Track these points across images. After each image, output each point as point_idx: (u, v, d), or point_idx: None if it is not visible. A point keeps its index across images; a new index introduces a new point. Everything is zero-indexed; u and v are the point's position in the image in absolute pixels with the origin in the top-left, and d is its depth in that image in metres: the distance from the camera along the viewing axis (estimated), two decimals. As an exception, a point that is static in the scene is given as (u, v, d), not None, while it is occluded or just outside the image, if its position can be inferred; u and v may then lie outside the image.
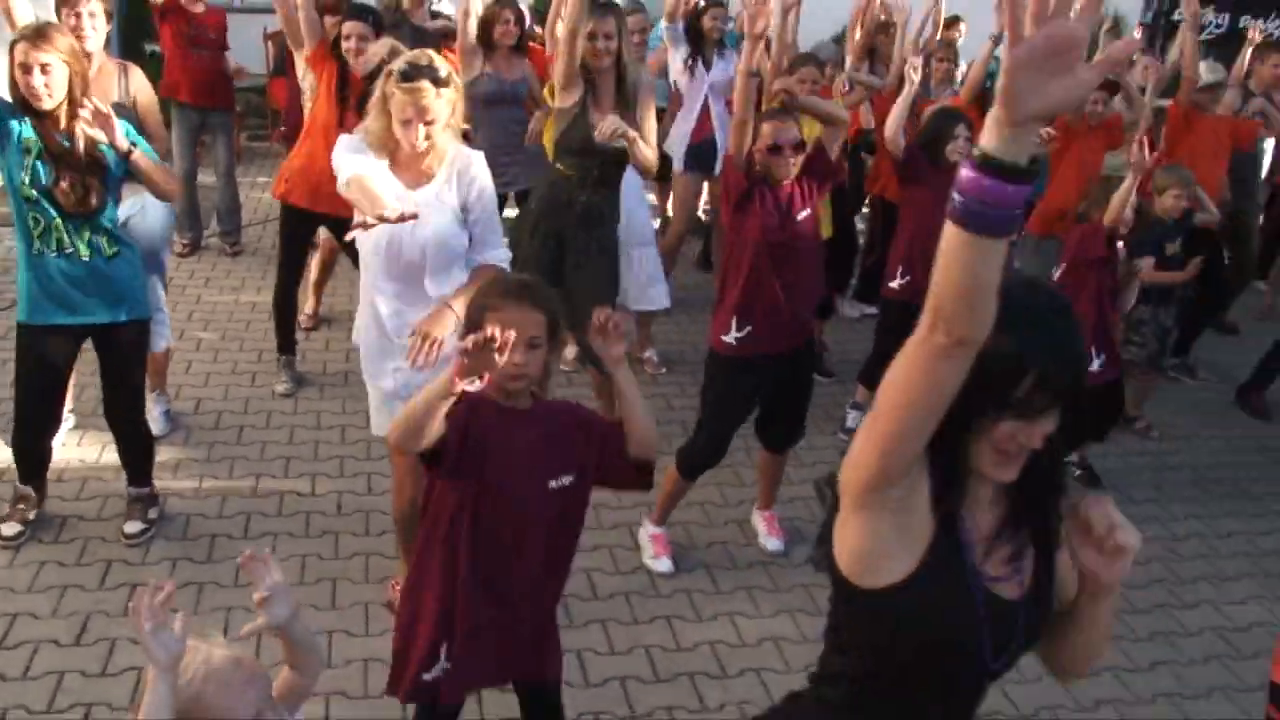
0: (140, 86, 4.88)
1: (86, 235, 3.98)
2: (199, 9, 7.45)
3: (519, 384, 2.65)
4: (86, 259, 3.99)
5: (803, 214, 4.18)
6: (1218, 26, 12.64)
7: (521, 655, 2.85)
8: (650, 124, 4.96)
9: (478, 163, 3.61)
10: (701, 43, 6.92)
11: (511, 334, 2.39)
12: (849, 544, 1.73)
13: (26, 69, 3.72)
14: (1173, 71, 7.16)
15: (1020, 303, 1.60)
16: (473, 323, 2.64)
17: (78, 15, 4.54)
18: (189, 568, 4.22)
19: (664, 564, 4.46)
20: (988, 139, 1.33)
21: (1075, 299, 5.05)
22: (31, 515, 4.33)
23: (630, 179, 5.38)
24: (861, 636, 1.83)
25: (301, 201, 5.53)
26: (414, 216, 3.22)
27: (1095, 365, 5.12)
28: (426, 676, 2.76)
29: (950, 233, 1.37)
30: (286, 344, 5.88)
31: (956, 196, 1.35)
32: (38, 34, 3.74)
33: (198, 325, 6.54)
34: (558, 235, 4.95)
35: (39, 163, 3.83)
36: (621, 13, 5.07)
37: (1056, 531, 1.79)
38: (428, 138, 3.41)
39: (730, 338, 4.22)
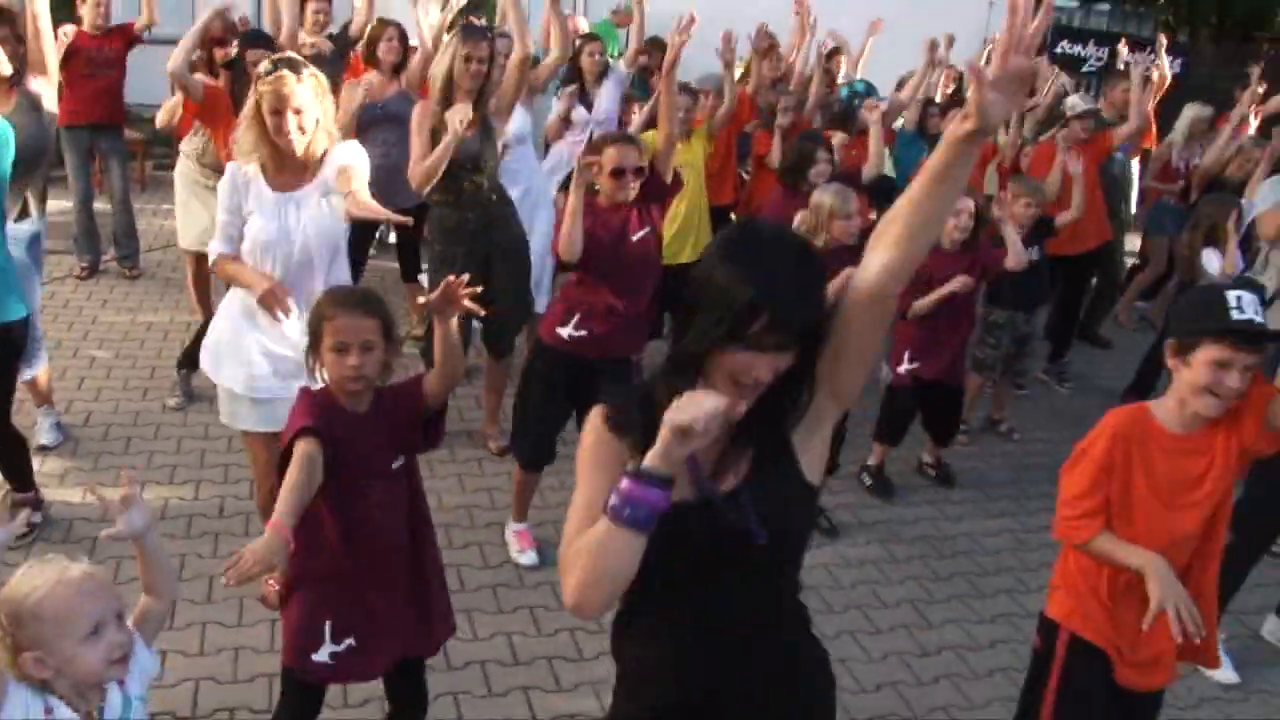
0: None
1: None
2: (100, 34, 7.53)
3: (358, 385, 2.88)
4: None
5: (639, 234, 4.40)
6: (1098, 60, 13.24)
7: (406, 633, 3.05)
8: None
9: (345, 149, 3.82)
10: (582, 78, 7.20)
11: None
12: None
13: None
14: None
15: (763, 247, 1.88)
16: (314, 333, 2.89)
17: None
18: (68, 567, 4.33)
19: (528, 557, 4.66)
20: (649, 459, 1.73)
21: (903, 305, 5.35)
22: None
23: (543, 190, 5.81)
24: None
25: None
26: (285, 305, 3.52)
27: (905, 367, 5.52)
28: (316, 659, 2.96)
29: (605, 527, 1.75)
30: (190, 359, 5.96)
31: (615, 500, 1.74)
32: None
33: (92, 344, 6.64)
34: (468, 261, 4.91)
35: None
36: (493, 40, 5.33)
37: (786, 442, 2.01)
38: (300, 128, 3.62)
39: (565, 332, 4.40)
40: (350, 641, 2.94)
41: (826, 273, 1.93)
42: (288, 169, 3.73)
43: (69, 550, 4.35)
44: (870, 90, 7.42)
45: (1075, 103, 7.13)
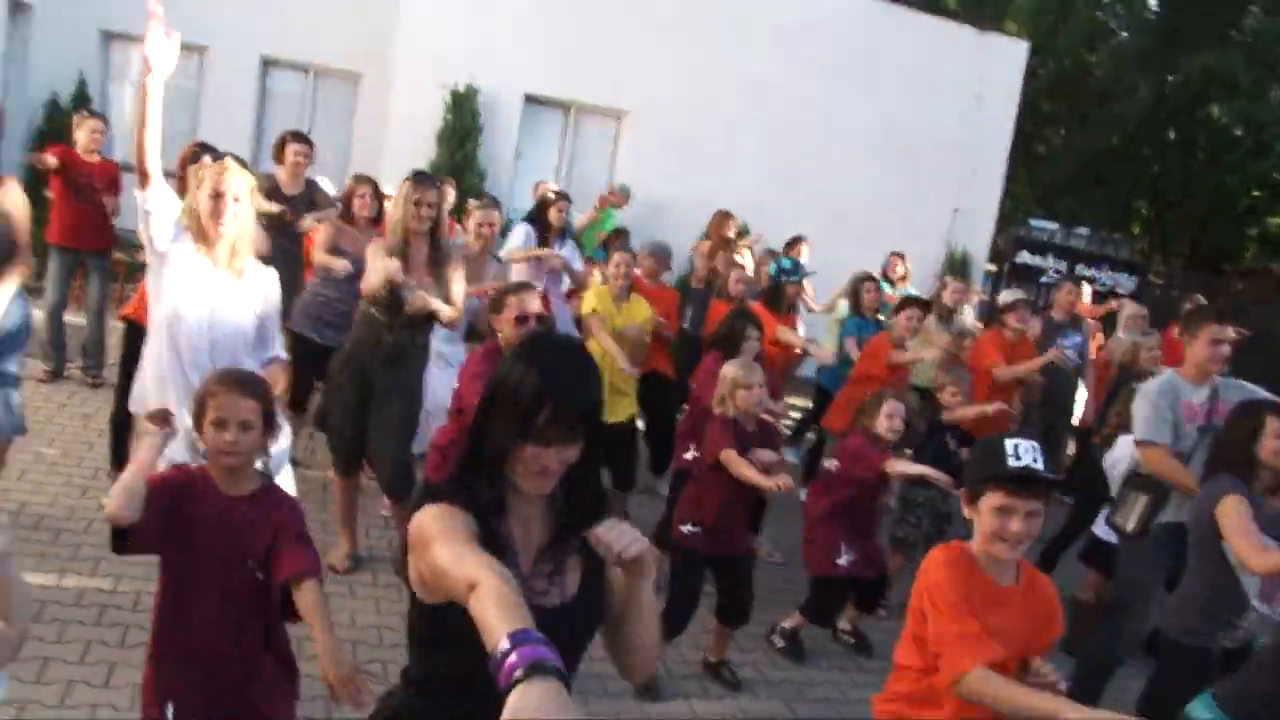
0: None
1: None
2: (94, 160, 7.99)
3: (233, 460, 3.08)
4: None
5: None
6: (1056, 272, 13.89)
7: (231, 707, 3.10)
8: (457, 285, 5.57)
9: (272, 279, 4.31)
10: (546, 230, 7.64)
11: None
12: (415, 570, 2.14)
13: None
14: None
15: (548, 351, 2.18)
16: (199, 407, 3.11)
17: None
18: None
19: None
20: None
21: (839, 497, 5.61)
22: None
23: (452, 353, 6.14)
24: (425, 643, 2.24)
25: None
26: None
27: (844, 559, 5.60)
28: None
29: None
30: (120, 460, 6.17)
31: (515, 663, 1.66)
32: None
33: (42, 441, 6.78)
34: (364, 373, 5.45)
35: None
36: (443, 187, 5.76)
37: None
38: (235, 216, 4.06)
39: None
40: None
41: None
42: (220, 263, 4.15)
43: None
44: (797, 268, 7.79)
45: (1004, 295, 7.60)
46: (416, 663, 2.29)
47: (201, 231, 4.11)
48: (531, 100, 13.12)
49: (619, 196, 11.43)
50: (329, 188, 8.39)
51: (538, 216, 7.79)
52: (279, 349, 4.46)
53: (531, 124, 13.22)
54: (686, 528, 5.26)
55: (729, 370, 5.26)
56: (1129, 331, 8.58)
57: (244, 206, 4.07)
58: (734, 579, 5.31)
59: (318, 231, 7.11)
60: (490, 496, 2.15)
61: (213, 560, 3.01)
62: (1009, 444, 2.85)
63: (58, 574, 5.15)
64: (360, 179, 7.21)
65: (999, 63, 14.59)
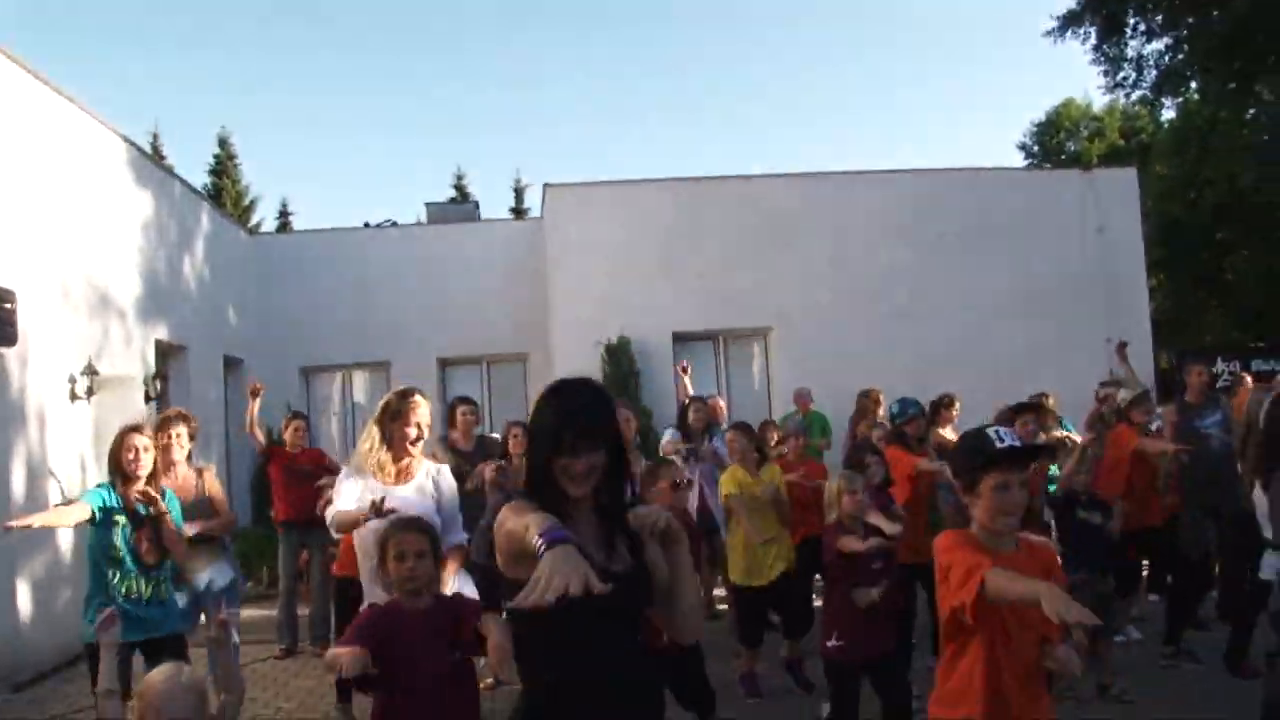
0: (211, 482, 6.56)
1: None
2: (299, 450, 9.29)
3: (414, 584, 3.86)
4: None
5: None
6: (1230, 374, 13.69)
7: None
8: None
9: (446, 472, 5.30)
10: (691, 432, 8.42)
11: None
12: (499, 552, 2.79)
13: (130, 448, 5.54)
14: None
15: (563, 388, 2.93)
16: (381, 550, 3.97)
17: (169, 436, 6.22)
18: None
19: None
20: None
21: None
22: None
23: None
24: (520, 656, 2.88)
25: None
26: (383, 509, 4.60)
27: (831, 643, 5.68)
28: None
29: None
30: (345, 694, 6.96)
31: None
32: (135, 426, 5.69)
33: (281, 699, 7.66)
34: None
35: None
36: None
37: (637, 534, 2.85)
38: (418, 438, 5.13)
39: None
40: None
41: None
42: (395, 473, 5.20)
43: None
44: (904, 408, 8.12)
45: (1124, 395, 7.85)
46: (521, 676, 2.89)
47: (394, 455, 5.16)
48: (680, 337, 14.20)
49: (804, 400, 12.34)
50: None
51: (679, 423, 8.64)
52: (461, 537, 5.29)
53: (684, 357, 14.16)
54: (831, 642, 5.63)
55: (834, 482, 5.80)
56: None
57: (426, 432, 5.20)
58: (888, 680, 5.60)
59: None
60: (551, 508, 2.74)
61: (416, 664, 3.70)
62: (990, 432, 3.33)
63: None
64: (513, 423, 8.25)
65: (1113, 194, 15.05)
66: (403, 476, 5.18)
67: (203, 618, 6.61)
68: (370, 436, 5.20)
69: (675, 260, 14.13)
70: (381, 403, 5.28)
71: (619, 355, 13.62)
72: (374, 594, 4.58)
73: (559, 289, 14.16)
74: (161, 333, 11.96)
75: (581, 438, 2.77)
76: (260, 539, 11.58)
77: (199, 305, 13.35)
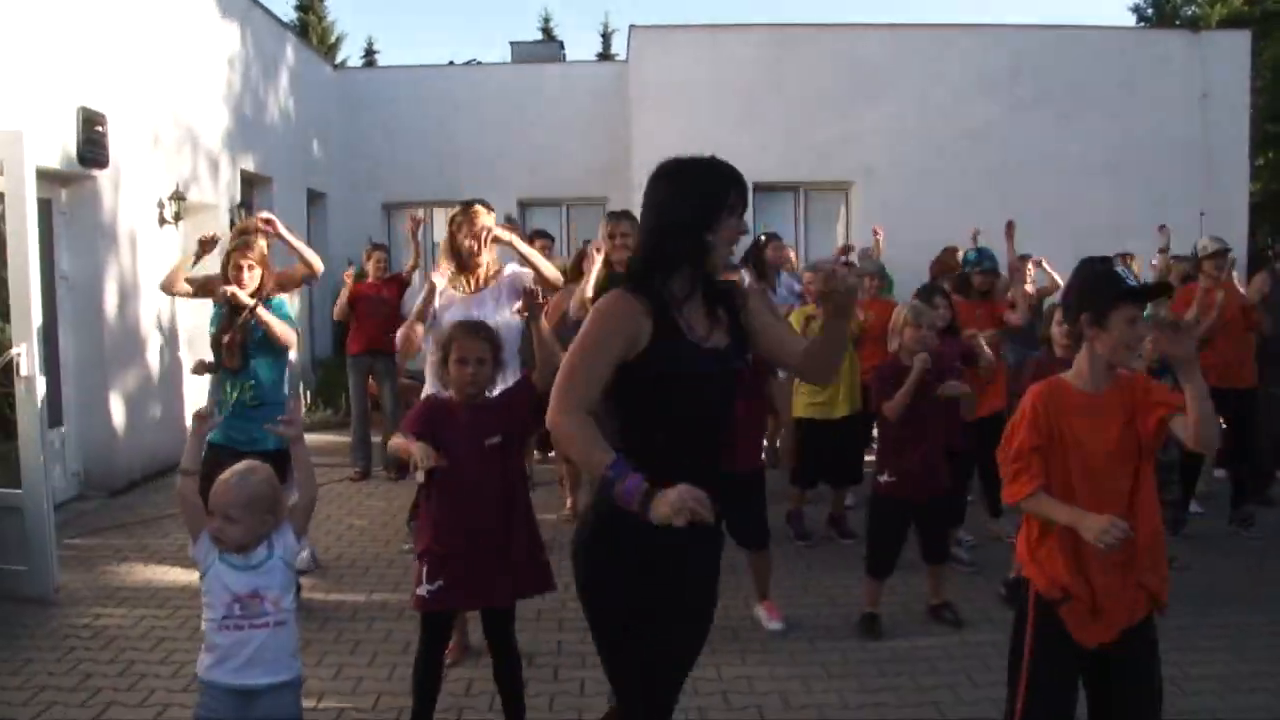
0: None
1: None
2: (381, 281, 9.53)
3: (474, 389, 3.98)
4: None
5: None
6: None
7: (489, 582, 3.95)
8: None
9: (528, 276, 5.39)
10: (765, 269, 8.36)
11: None
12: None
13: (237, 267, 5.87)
14: None
15: (700, 162, 2.88)
16: (444, 351, 4.07)
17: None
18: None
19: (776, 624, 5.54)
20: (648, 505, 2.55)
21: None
22: None
23: None
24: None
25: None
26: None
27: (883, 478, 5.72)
28: (421, 592, 3.96)
29: (600, 470, 2.67)
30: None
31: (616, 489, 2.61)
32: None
33: (354, 517, 8.04)
34: None
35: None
36: (632, 217, 6.56)
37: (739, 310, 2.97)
38: (478, 249, 5.40)
39: None
40: (440, 582, 3.93)
41: None
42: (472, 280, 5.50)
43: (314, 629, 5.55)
44: (980, 257, 8.01)
45: (1206, 244, 7.61)
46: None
47: (460, 265, 5.43)
48: (760, 188, 14.06)
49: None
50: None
51: (754, 258, 8.51)
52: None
53: (765, 208, 14.14)
54: (884, 477, 5.68)
55: (902, 312, 5.82)
56: None
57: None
58: (929, 521, 5.71)
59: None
60: (665, 292, 2.84)
61: (459, 450, 3.89)
62: (1118, 269, 3.31)
63: (365, 594, 6.19)
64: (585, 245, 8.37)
65: (1221, 58, 14.41)
66: (475, 286, 5.44)
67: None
68: (442, 251, 5.51)
69: (759, 108, 13.91)
70: (449, 217, 5.54)
71: (698, 204, 13.55)
72: (433, 387, 5.04)
73: (640, 133, 14.03)
74: (247, 163, 12.14)
75: (741, 198, 2.85)
76: (339, 369, 11.90)
77: (284, 138, 13.50)
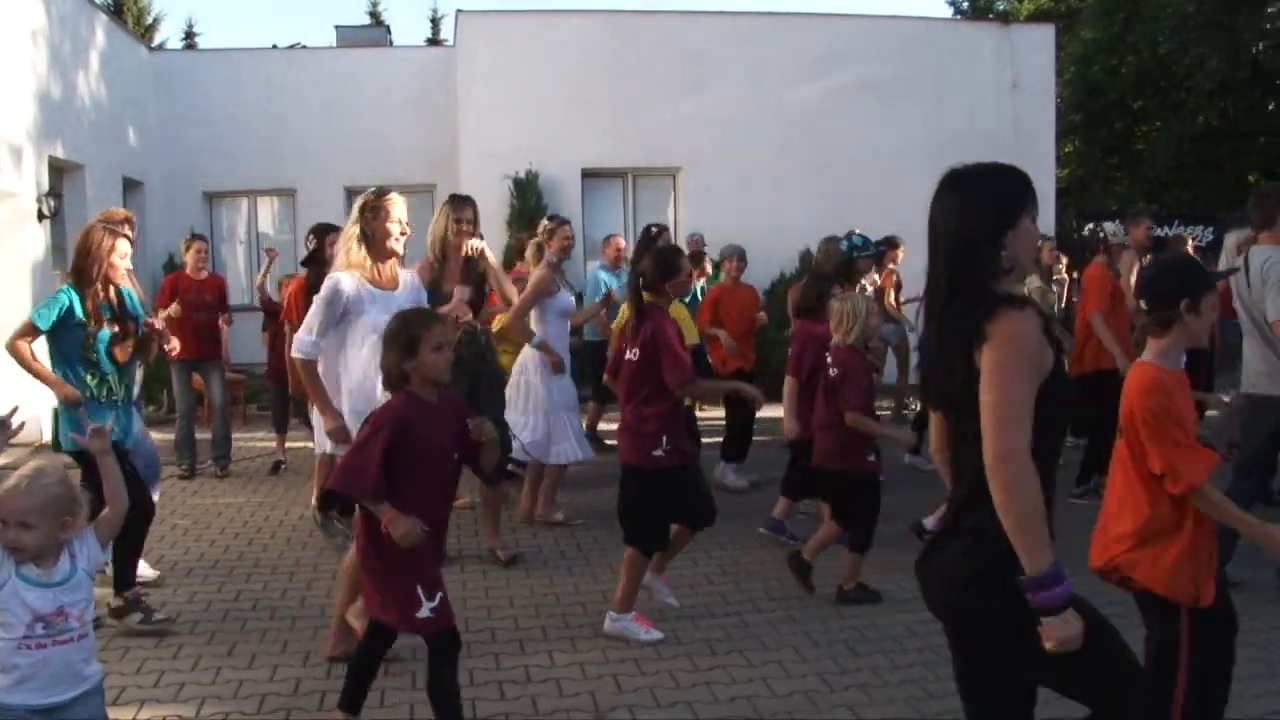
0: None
1: None
2: (203, 276, 9.17)
3: (445, 376, 3.96)
4: None
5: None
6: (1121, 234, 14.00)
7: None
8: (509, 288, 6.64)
9: (413, 278, 5.30)
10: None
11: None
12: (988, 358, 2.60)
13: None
14: None
15: (984, 166, 2.77)
16: (412, 340, 3.87)
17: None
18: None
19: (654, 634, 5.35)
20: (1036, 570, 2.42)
21: None
22: None
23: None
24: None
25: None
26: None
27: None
28: (425, 614, 3.82)
29: (1034, 561, 2.43)
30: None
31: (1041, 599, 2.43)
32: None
33: (178, 516, 7.79)
34: (463, 387, 6.03)
35: None
36: (473, 202, 6.52)
37: None
38: (402, 234, 5.08)
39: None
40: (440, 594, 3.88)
41: None
42: (385, 277, 5.08)
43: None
44: (866, 243, 8.28)
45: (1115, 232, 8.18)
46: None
47: (375, 255, 5.02)
48: (589, 174, 14.14)
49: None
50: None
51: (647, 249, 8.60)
52: None
53: (592, 195, 14.22)
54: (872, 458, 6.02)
55: (855, 302, 6.05)
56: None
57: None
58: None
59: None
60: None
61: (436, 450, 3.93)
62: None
63: (188, 596, 6.02)
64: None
65: (1030, 49, 15.11)
66: (390, 282, 5.07)
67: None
68: (348, 240, 5.01)
69: (586, 95, 13.96)
70: (359, 203, 5.06)
71: (527, 190, 13.55)
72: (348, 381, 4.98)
73: (468, 120, 13.95)
74: (55, 150, 11.61)
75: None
76: (161, 364, 11.46)
77: (96, 123, 12.94)
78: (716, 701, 4.57)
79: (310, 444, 9.29)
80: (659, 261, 5.38)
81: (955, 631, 2.75)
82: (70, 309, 5.39)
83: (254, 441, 10.71)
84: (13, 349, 5.39)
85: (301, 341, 4.93)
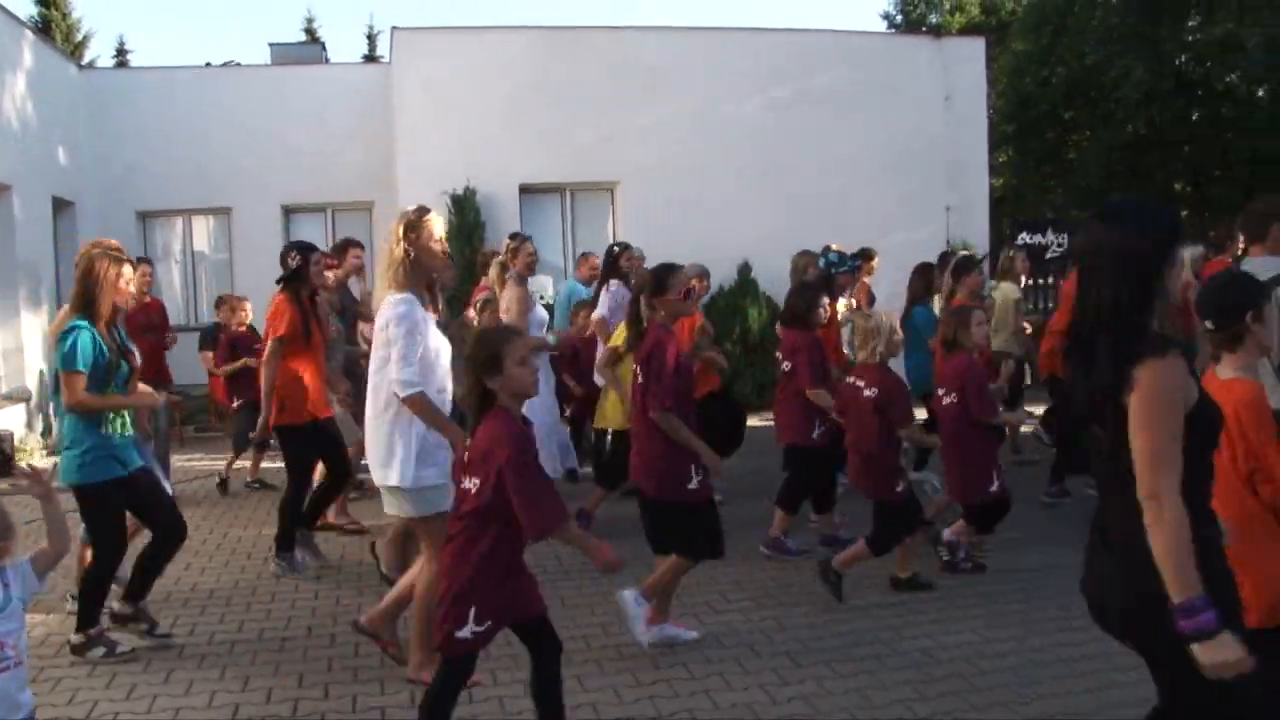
0: None
1: None
2: (146, 300, 9.01)
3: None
4: None
5: None
6: (1059, 246, 14.30)
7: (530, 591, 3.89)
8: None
9: None
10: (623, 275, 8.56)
11: None
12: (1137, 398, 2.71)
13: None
14: None
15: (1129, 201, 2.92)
16: (495, 354, 3.78)
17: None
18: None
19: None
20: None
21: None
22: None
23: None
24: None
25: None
26: None
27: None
28: (465, 634, 3.70)
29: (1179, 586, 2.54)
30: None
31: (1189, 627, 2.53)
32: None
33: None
34: None
35: None
36: None
37: None
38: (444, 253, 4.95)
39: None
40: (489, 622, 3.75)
41: None
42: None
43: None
44: (842, 259, 8.43)
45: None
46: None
47: (422, 275, 4.79)
48: (526, 190, 14.14)
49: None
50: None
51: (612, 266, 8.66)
52: None
53: (530, 211, 14.22)
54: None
55: (883, 319, 6.16)
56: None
57: None
58: None
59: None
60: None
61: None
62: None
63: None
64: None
65: (961, 62, 15.37)
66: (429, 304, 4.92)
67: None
68: (397, 262, 4.68)
69: (523, 111, 13.92)
70: (402, 223, 4.73)
71: (465, 206, 13.52)
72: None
73: (405, 137, 13.88)
74: (-19, 170, 11.38)
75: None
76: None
77: (23, 143, 12.70)
78: (660, 716, 4.56)
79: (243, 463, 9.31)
80: (654, 277, 5.44)
81: (1151, 660, 2.86)
82: (97, 345, 5.19)
83: (192, 463, 10.58)
84: (80, 406, 5.14)
85: (409, 380, 4.55)
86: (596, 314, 8.22)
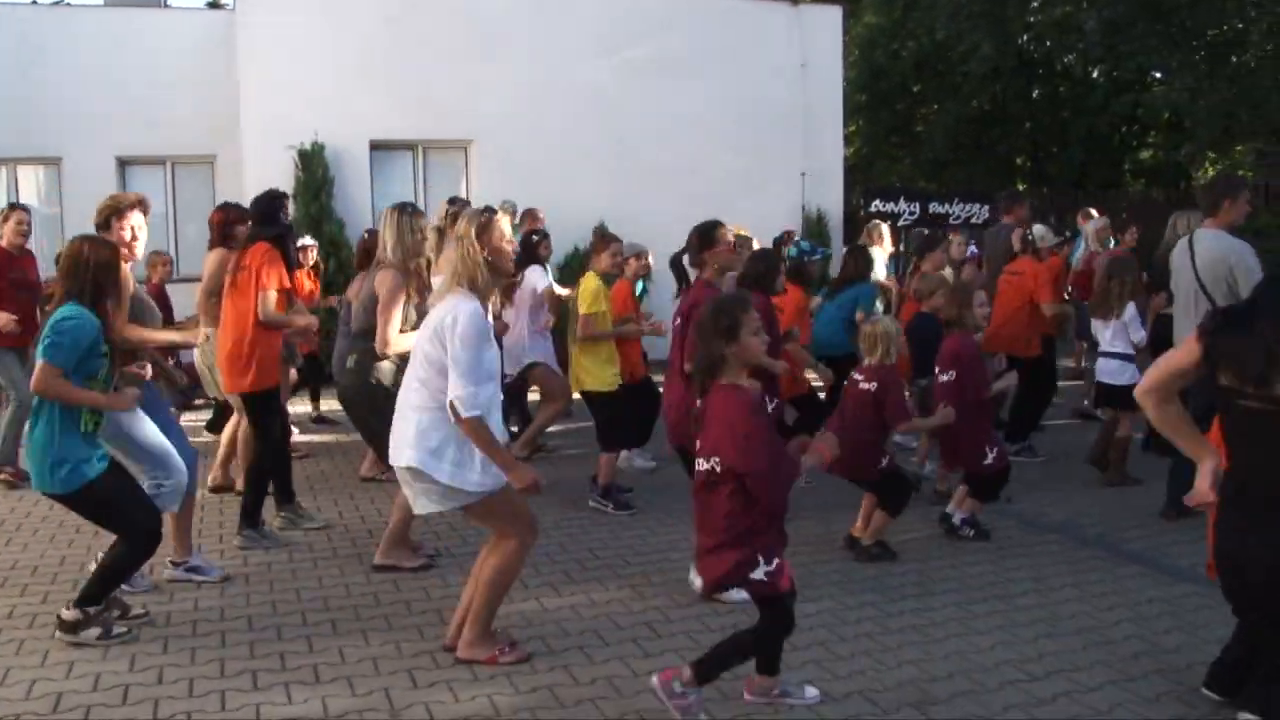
0: None
1: None
2: (23, 254, 8.18)
3: None
4: None
5: None
6: (911, 214, 14.63)
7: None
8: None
9: None
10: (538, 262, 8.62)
11: None
12: None
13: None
14: None
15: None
16: (732, 328, 3.98)
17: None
18: None
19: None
20: None
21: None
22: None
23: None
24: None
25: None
26: None
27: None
28: (760, 575, 3.95)
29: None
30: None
31: None
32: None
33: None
34: None
35: None
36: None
37: None
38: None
39: None
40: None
41: None
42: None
43: None
44: (813, 248, 8.54)
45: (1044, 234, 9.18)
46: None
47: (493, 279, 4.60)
48: (378, 146, 13.77)
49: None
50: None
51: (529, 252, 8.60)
52: None
53: (382, 168, 13.86)
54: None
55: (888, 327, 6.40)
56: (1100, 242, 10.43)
57: None
58: None
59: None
60: None
61: None
62: None
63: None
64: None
65: (818, 30, 15.54)
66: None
67: None
68: (472, 262, 4.49)
69: (376, 64, 13.51)
70: (473, 225, 4.50)
71: (312, 161, 13.08)
72: None
73: (250, 88, 13.31)
74: None
75: None
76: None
77: None
78: (518, 693, 4.44)
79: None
80: (699, 234, 5.91)
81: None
82: (94, 334, 4.72)
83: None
84: (48, 392, 4.60)
85: (468, 399, 4.31)
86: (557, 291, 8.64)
